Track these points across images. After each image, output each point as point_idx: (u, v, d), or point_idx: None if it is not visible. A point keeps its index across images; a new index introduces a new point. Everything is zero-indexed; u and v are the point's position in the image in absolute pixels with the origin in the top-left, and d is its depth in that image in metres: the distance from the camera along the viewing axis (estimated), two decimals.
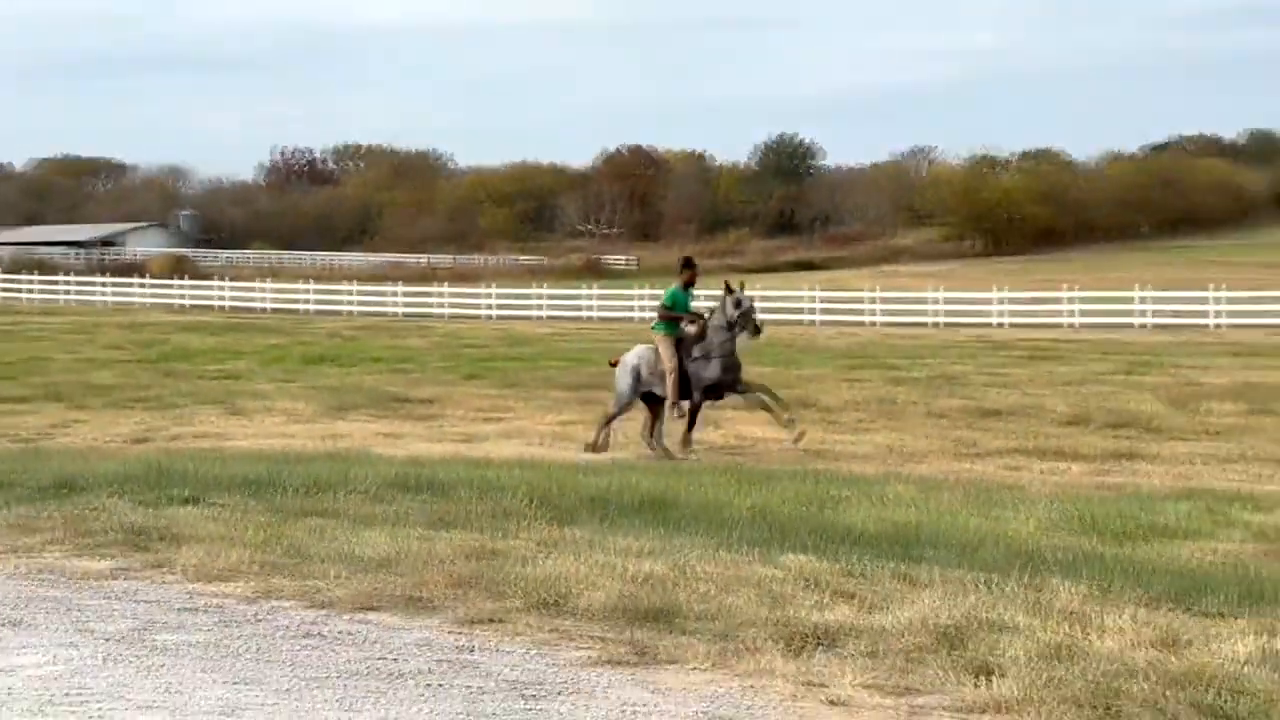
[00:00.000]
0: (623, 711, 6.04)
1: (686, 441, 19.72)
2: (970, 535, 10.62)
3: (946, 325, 51.75)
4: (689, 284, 20.56)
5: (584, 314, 59.46)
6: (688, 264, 21.04)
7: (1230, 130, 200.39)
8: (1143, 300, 51.66)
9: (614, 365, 20.73)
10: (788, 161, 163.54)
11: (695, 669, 6.60)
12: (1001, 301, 53.93)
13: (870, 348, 41.28)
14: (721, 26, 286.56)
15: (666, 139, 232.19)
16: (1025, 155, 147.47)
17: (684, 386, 19.78)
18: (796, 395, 27.03)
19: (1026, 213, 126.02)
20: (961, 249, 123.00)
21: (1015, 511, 12.35)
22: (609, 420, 20.42)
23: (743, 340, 20.18)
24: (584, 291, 63.24)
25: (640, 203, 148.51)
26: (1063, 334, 47.44)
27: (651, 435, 19.94)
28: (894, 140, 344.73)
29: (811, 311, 56.83)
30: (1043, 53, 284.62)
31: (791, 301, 59.23)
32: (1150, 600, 7.61)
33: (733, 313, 19.87)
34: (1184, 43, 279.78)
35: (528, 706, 6.13)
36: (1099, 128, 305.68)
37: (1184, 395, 26.28)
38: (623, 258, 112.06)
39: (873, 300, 56.14)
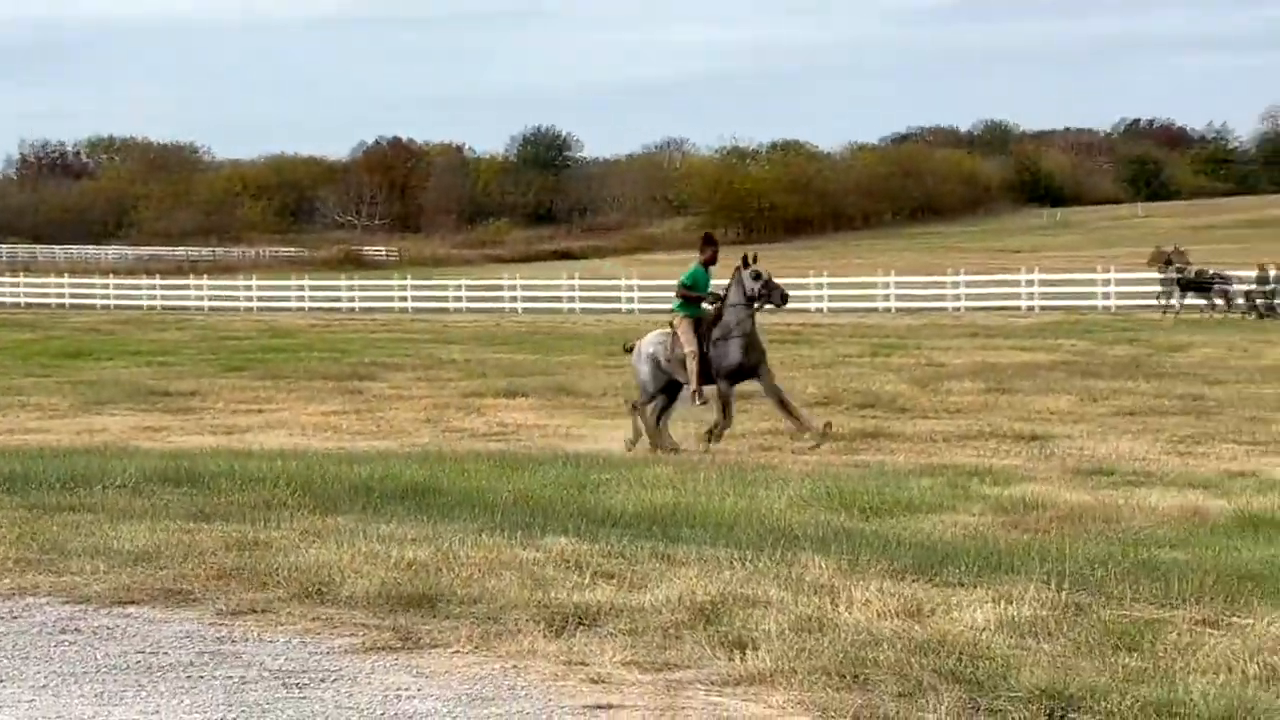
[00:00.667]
0: (387, 696, 6.10)
1: (717, 436, 18.19)
2: (727, 514, 10.87)
3: None
4: (709, 262, 19.17)
5: (345, 305, 58.89)
6: (709, 241, 19.79)
7: (966, 121, 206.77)
8: (888, 285, 52.96)
9: (629, 351, 19.45)
10: (546, 153, 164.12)
11: (459, 652, 6.68)
12: None
13: (629, 334, 41.65)
14: (480, 20, 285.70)
15: (426, 131, 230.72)
16: (774, 147, 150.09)
17: (706, 373, 18.32)
18: (557, 382, 27.28)
19: (777, 202, 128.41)
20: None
21: (770, 490, 12.66)
22: (636, 408, 18.67)
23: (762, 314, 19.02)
24: (345, 283, 62.61)
25: (400, 195, 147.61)
26: (813, 319, 48.42)
27: (657, 424, 18.44)
28: (649, 132, 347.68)
29: (571, 300, 57.08)
30: (792, 47, 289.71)
31: (551, 290, 59.53)
32: (896, 572, 7.89)
33: (753, 286, 18.44)
34: (925, 37, 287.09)
35: (293, 695, 6.15)
36: (845, 120, 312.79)
37: (927, 376, 27.13)
38: (383, 249, 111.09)
39: (630, 288, 56.58)
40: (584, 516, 10.29)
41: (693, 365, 18.31)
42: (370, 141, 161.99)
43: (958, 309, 49.58)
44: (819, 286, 54.17)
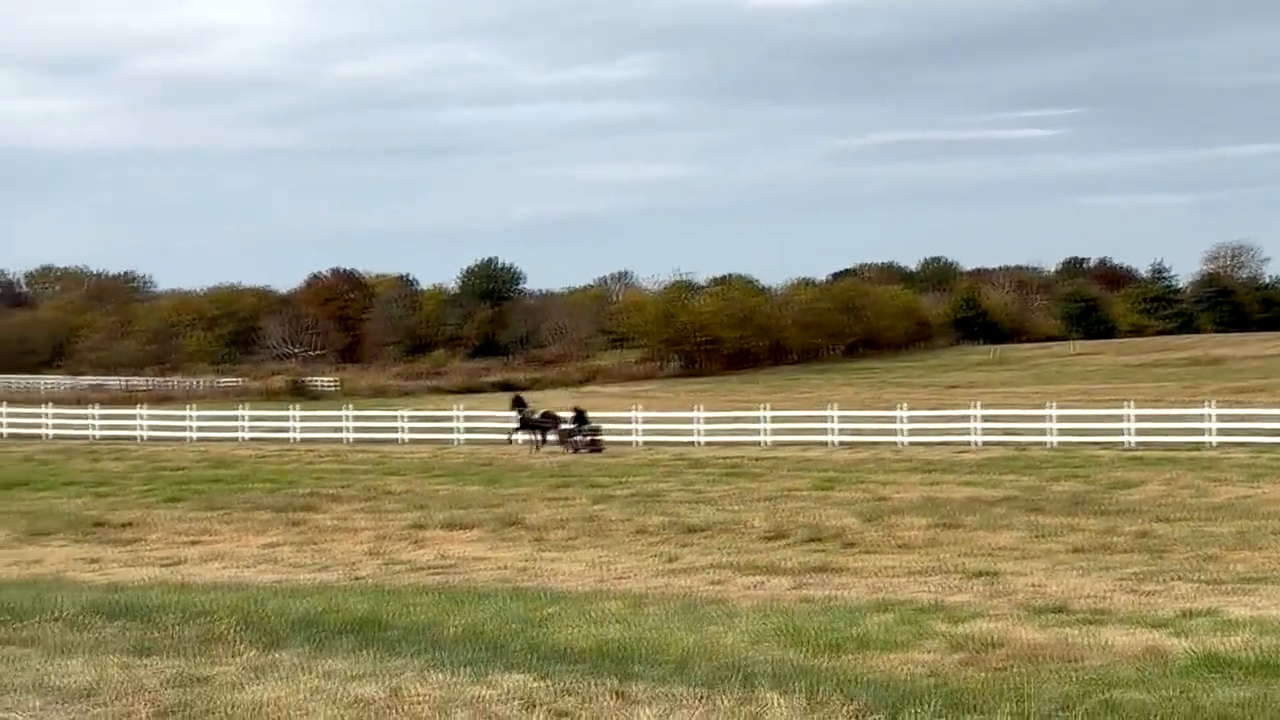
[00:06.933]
0: None
1: None
2: (681, 650, 10.68)
3: (647, 444, 52.27)
4: None
5: (288, 435, 58.33)
6: None
7: (912, 258, 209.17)
8: (830, 419, 52.94)
9: None
10: (491, 285, 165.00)
11: None
12: (700, 421, 54.69)
13: (573, 466, 41.48)
14: (429, 154, 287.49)
15: (374, 263, 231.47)
16: (717, 281, 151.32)
17: None
18: (502, 514, 27.05)
19: (719, 335, 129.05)
20: (658, 369, 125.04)
21: (723, 625, 12.48)
22: None
23: None
24: (288, 413, 62.08)
25: (345, 325, 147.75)
26: (758, 451, 48.30)
27: None
28: (595, 265, 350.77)
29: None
30: (733, 184, 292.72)
31: (498, 421, 59.33)
32: (860, 711, 7.73)
33: None
34: (865, 174, 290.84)
35: None
36: (794, 255, 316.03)
37: (875, 510, 26.99)
38: (324, 379, 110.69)
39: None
40: (534, 651, 10.08)
41: None
42: (324, 273, 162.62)
43: (899, 444, 49.56)
44: (764, 420, 54.12)
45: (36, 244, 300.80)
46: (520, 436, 50.58)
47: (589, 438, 48.84)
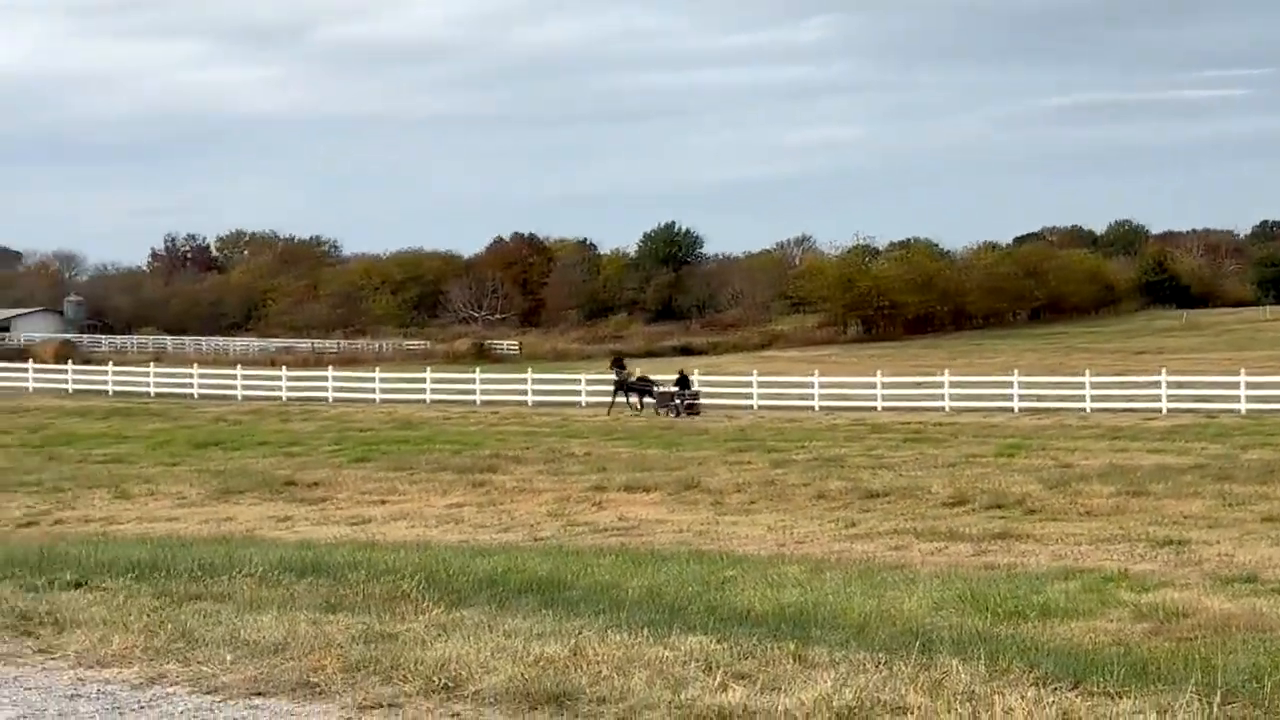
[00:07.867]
0: None
1: None
2: (860, 615, 10.66)
3: (826, 409, 52.07)
4: None
5: (472, 398, 59.11)
6: None
7: (1099, 221, 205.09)
8: (1013, 385, 52.25)
9: None
10: (670, 249, 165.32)
11: None
12: (880, 386, 54.33)
13: (752, 431, 41.48)
14: (608, 119, 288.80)
15: (555, 228, 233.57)
16: (898, 245, 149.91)
17: None
18: (681, 477, 27.15)
19: (900, 300, 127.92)
20: (838, 334, 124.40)
21: (903, 591, 12.42)
22: None
23: None
24: (472, 375, 62.87)
25: (526, 289, 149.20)
26: (939, 417, 47.89)
27: None
28: (774, 230, 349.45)
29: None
30: (915, 147, 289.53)
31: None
32: (1041, 679, 7.64)
33: None
34: (1050, 136, 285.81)
35: None
36: (977, 219, 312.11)
37: (1059, 477, 26.60)
38: (508, 342, 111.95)
39: (753, 384, 56.32)
40: (714, 614, 10.12)
41: None
42: (505, 238, 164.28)
43: (1084, 409, 48.79)
44: (946, 385, 53.64)
45: (227, 209, 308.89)
46: (619, 398, 52.04)
47: (687, 401, 50.10)
